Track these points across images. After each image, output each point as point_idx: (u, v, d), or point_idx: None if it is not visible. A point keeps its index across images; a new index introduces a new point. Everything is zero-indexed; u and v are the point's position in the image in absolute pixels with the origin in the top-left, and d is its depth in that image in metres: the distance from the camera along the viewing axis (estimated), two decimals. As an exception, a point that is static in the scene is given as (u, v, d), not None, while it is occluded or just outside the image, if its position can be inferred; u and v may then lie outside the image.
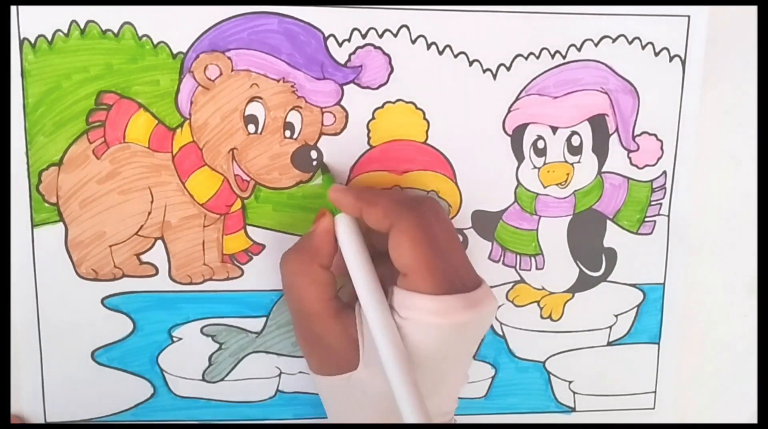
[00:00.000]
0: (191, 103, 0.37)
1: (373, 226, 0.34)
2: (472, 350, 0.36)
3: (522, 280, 0.42)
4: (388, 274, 0.34)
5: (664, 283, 0.43)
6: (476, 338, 0.35)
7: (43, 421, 0.40)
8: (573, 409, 0.44)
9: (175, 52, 0.36)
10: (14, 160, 0.37)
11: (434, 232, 0.33)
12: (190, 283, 0.39)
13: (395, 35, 0.38)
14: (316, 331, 0.35)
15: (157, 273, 0.39)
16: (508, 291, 0.42)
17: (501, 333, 0.42)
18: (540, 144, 0.40)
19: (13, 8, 0.35)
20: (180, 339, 0.40)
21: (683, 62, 0.40)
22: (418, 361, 0.33)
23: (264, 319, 0.40)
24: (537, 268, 0.42)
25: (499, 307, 0.42)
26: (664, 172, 0.41)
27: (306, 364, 0.39)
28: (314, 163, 0.38)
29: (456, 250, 0.34)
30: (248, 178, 0.38)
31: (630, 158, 0.41)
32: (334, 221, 0.35)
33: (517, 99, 0.39)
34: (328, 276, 0.35)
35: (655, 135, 0.41)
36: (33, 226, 0.37)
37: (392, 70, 0.38)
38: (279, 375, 0.41)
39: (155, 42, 0.36)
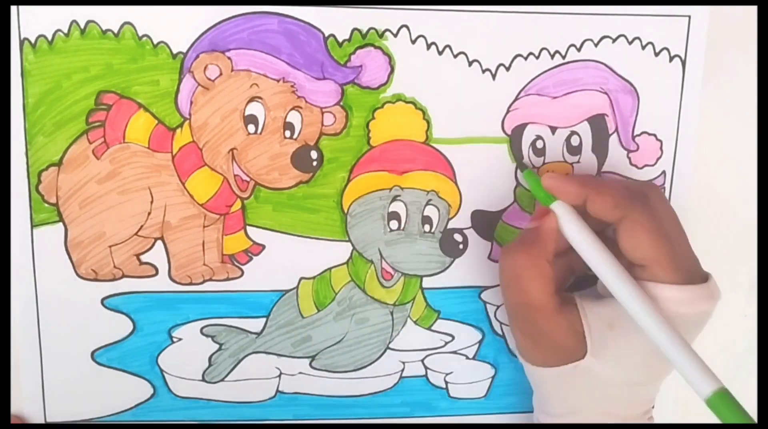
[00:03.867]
0: (191, 103, 0.37)
1: (598, 215, 0.34)
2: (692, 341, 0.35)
3: (522, 280, 0.42)
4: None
5: (664, 283, 0.43)
6: (701, 329, 0.35)
7: (43, 421, 0.40)
8: (573, 409, 0.44)
9: (175, 52, 0.36)
10: (14, 160, 0.37)
11: (667, 223, 0.33)
12: (190, 284, 0.39)
13: (395, 35, 0.38)
14: (539, 325, 0.35)
15: (157, 273, 0.39)
16: (508, 291, 0.42)
17: (501, 332, 0.42)
18: (539, 144, 0.40)
19: (13, 8, 0.35)
20: (180, 339, 0.40)
21: (683, 62, 0.40)
22: (653, 350, 0.33)
23: (264, 319, 0.40)
24: (537, 268, 0.42)
25: (499, 306, 0.42)
26: (664, 172, 0.41)
27: (306, 365, 0.39)
28: (314, 163, 0.38)
29: (686, 240, 0.35)
30: (248, 179, 0.38)
31: (629, 158, 0.41)
32: (556, 221, 0.35)
33: (516, 99, 0.39)
34: (553, 271, 0.35)
35: (655, 135, 0.41)
36: (33, 226, 0.37)
37: (392, 70, 0.38)
38: (279, 375, 0.41)
39: (155, 42, 0.36)
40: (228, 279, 0.39)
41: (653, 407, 0.38)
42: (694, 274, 0.33)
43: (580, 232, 0.34)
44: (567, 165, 0.40)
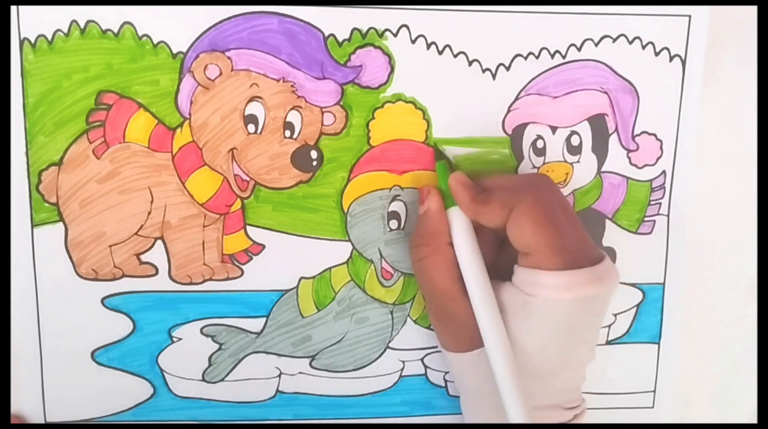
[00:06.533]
0: (191, 102, 0.37)
1: (490, 225, 0.35)
2: (598, 325, 0.36)
3: (522, 280, 0.42)
4: (507, 257, 0.35)
5: (663, 283, 0.43)
6: (601, 312, 0.35)
7: (43, 421, 0.40)
8: (573, 409, 0.44)
9: (175, 51, 0.36)
10: (14, 160, 0.37)
11: (553, 210, 0.34)
12: (190, 283, 0.39)
13: (395, 35, 0.38)
14: (448, 309, 0.36)
15: (157, 273, 0.39)
16: (508, 291, 0.42)
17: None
18: (539, 144, 0.40)
19: (13, 8, 0.35)
20: (180, 339, 0.40)
21: (683, 62, 0.40)
22: (547, 336, 0.33)
23: (264, 319, 0.40)
24: (537, 268, 0.42)
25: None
26: (664, 172, 0.41)
27: (305, 365, 0.39)
28: (314, 163, 0.38)
29: (575, 225, 0.35)
30: (248, 178, 0.38)
31: (629, 158, 0.41)
32: (442, 200, 0.36)
33: (516, 99, 0.39)
34: (454, 254, 0.36)
35: (655, 135, 0.41)
36: (33, 226, 0.37)
37: (392, 70, 0.38)
38: (279, 375, 0.41)
39: (155, 42, 0.36)
40: (228, 279, 0.39)
41: (580, 405, 0.37)
42: (580, 259, 0.33)
43: (460, 236, 0.35)
44: (567, 165, 0.40)
